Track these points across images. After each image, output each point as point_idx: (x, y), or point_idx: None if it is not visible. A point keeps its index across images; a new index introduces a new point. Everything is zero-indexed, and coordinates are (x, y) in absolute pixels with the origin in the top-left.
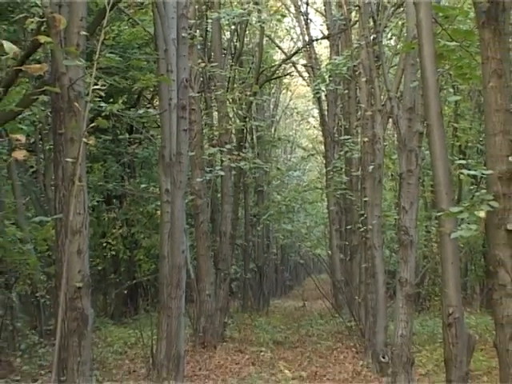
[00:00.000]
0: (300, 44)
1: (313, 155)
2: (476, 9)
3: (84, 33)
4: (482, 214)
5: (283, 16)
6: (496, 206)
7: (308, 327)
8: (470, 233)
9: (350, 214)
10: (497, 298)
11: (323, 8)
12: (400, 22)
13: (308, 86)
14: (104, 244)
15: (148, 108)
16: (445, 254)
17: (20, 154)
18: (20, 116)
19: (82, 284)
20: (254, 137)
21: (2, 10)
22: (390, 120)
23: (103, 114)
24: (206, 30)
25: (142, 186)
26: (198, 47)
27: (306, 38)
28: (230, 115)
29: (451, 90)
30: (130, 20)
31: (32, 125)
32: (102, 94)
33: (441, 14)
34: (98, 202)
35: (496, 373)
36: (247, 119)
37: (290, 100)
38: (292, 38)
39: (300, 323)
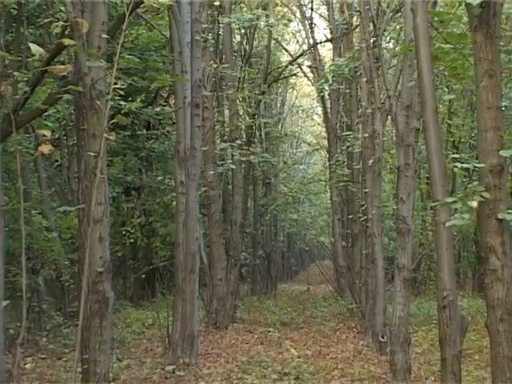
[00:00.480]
0: (305, 47)
1: (317, 150)
2: (469, 13)
3: (105, 36)
4: (475, 204)
5: (289, 21)
6: (487, 197)
7: (312, 309)
8: (463, 222)
9: (351, 205)
10: (488, 282)
11: (326, 13)
12: (398, 26)
13: (312, 85)
14: (123, 232)
15: (164, 106)
16: (440, 242)
17: (46, 149)
18: (46, 113)
19: (103, 269)
20: (263, 133)
21: (30, 16)
22: (389, 117)
23: (123, 111)
24: (218, 34)
25: (159, 178)
26: (211, 49)
27: (311, 41)
28: (240, 113)
29: (446, 90)
30: (148, 24)
31: (57, 121)
32: (122, 92)
33: (436, 19)
34: (117, 193)
35: (487, 352)
36: (256, 116)
37: (296, 99)
38: (298, 41)
39: (305, 306)
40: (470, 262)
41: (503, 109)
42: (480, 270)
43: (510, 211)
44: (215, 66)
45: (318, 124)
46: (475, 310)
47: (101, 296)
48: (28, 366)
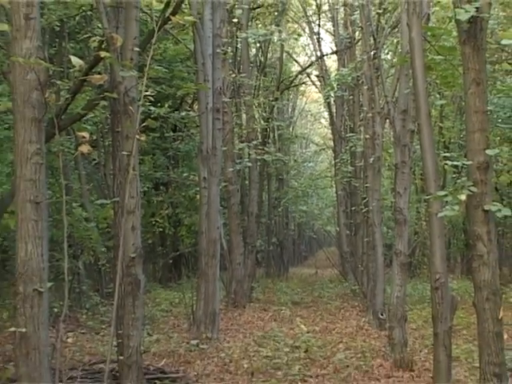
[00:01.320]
0: (313, 58)
1: (324, 149)
2: (458, 28)
3: (136, 49)
4: (463, 197)
5: (299, 35)
6: (475, 191)
7: (320, 290)
8: (453, 212)
9: (354, 198)
10: (475, 266)
11: (332, 29)
12: (395, 40)
13: (320, 92)
14: (153, 222)
15: (189, 111)
16: (432, 230)
17: (85, 149)
18: (85, 118)
19: (135, 254)
20: (276, 134)
21: (71, 31)
22: (387, 120)
23: (152, 115)
24: (236, 47)
25: (184, 174)
26: (230, 61)
27: (318, 54)
28: (256, 117)
29: (437, 96)
30: (174, 39)
31: (94, 125)
32: (152, 99)
33: (429, 33)
34: (148, 187)
35: (474, 327)
36: (270, 120)
37: (305, 104)
38: (306, 54)
39: (313, 287)
40: (459, 249)
41: (488, 113)
42: (468, 256)
43: (494, 203)
44: (234, 75)
45: (325, 126)
46: (464, 290)
47: (133, 278)
48: (70, 340)
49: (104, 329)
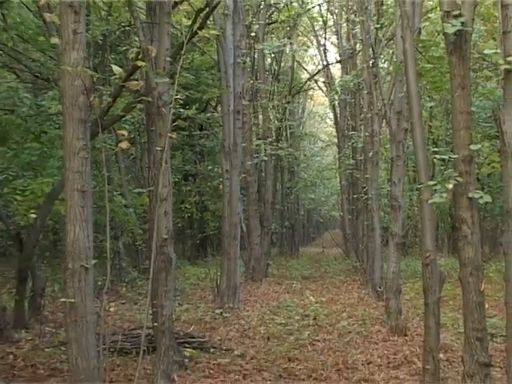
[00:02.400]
0: (320, 67)
1: (329, 145)
2: (446, 40)
3: (168, 59)
4: (450, 186)
5: (308, 47)
6: (460, 181)
7: (326, 266)
8: (441, 199)
9: (355, 187)
10: (460, 245)
11: (336, 41)
12: (391, 51)
13: (325, 96)
14: (182, 208)
15: (213, 112)
16: (423, 215)
17: (124, 145)
18: (124, 118)
19: (167, 236)
20: (288, 133)
21: (112, 44)
22: (384, 120)
23: (182, 116)
24: (254, 57)
25: (209, 167)
26: (248, 69)
27: (324, 63)
28: (271, 117)
29: (428, 99)
30: (200, 50)
31: (132, 124)
32: (181, 102)
33: (420, 45)
34: (178, 178)
35: (459, 298)
36: (283, 120)
37: (313, 106)
38: (314, 63)
39: (320, 264)
40: (446, 231)
41: (472, 113)
42: (454, 236)
43: (477, 191)
44: (252, 81)
45: (330, 126)
46: (450, 267)
47: (166, 256)
48: (112, 309)
49: (141, 300)
